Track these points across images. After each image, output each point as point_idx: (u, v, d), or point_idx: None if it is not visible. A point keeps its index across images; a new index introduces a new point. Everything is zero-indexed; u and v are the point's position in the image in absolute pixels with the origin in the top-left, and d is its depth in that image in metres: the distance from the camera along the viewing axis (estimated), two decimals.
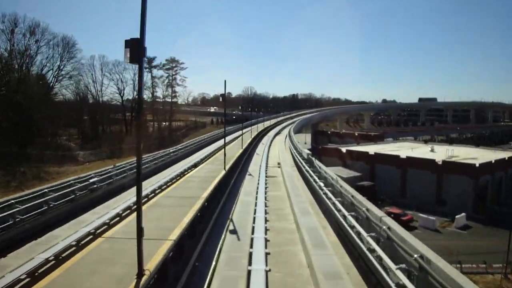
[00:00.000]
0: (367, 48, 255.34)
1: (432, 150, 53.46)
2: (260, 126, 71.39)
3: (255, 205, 15.26)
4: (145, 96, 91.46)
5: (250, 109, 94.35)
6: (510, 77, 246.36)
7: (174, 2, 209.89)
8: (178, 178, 20.76)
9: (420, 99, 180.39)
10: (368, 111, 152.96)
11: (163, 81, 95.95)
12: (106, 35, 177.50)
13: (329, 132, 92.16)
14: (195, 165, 25.83)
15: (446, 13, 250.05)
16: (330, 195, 13.67)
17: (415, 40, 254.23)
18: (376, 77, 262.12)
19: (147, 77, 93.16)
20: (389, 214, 19.29)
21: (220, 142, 40.63)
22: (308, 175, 20.05)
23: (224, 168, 22.56)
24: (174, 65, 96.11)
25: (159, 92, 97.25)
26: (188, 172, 22.92)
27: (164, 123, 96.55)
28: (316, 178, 17.67)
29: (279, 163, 29.89)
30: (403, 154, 47.93)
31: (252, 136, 50.77)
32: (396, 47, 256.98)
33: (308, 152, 28.97)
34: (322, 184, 15.87)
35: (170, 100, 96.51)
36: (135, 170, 12.20)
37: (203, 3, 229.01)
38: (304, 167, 22.38)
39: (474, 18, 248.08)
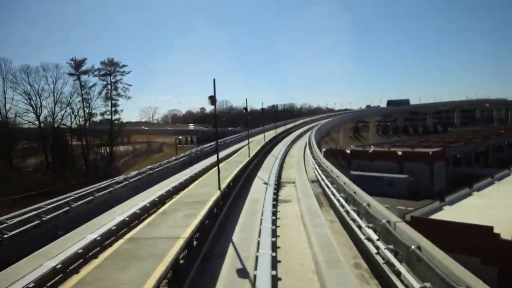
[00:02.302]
0: (348, 54, 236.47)
1: None
2: (235, 159, 29.90)
3: None
4: (64, 112, 60.87)
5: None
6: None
7: (145, 18, 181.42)
8: None
9: (389, 102, 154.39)
10: (375, 117, 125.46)
11: (99, 92, 64.68)
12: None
13: (347, 152, 62.58)
14: None
15: (430, 16, 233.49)
16: None
17: (389, 46, 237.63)
18: (356, 83, 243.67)
19: (74, 85, 62.54)
20: None
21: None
22: None
23: None
24: (112, 69, 65.06)
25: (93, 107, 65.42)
26: None
27: (103, 150, 64.94)
28: None
29: None
30: None
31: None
32: (374, 52, 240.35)
33: None
34: None
35: (110, 116, 64.47)
36: None
37: (171, 21, 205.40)
38: None
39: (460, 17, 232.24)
